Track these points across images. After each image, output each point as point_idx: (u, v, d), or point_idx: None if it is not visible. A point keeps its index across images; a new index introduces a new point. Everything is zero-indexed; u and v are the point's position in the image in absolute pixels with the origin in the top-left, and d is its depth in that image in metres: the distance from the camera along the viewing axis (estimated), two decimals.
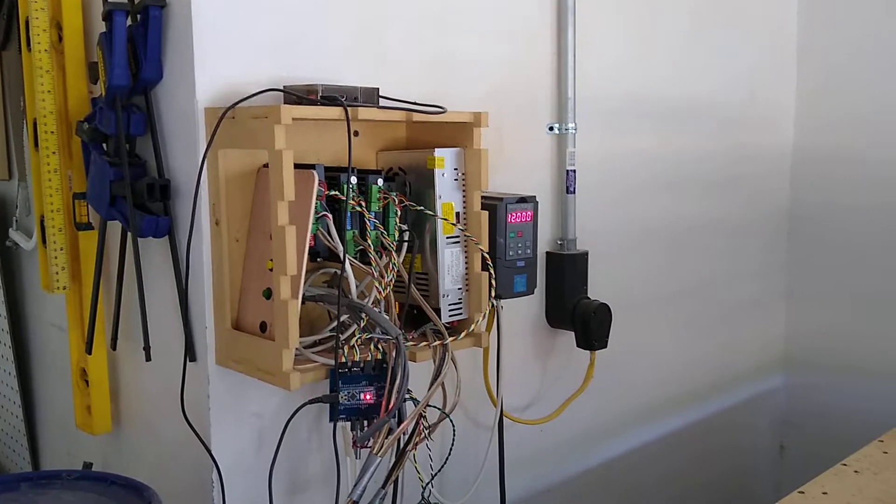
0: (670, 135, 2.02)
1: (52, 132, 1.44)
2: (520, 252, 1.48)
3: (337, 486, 1.30)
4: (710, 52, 2.10)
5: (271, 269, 1.19)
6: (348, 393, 1.22)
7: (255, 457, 1.34)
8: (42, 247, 1.51)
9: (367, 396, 1.22)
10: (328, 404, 1.23)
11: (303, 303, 1.20)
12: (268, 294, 1.22)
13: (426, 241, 1.35)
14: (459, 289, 1.36)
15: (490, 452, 1.59)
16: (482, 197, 1.35)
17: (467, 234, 1.35)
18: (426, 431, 1.26)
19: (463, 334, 1.35)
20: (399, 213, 1.30)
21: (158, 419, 1.43)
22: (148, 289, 1.36)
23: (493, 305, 1.42)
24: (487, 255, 1.35)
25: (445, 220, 1.33)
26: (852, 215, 2.30)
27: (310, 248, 1.20)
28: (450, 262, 1.35)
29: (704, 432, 2.23)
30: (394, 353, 1.21)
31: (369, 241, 1.26)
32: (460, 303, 1.37)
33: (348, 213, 1.25)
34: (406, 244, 1.32)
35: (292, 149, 1.13)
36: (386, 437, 1.19)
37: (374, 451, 1.18)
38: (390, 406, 1.20)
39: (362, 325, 1.23)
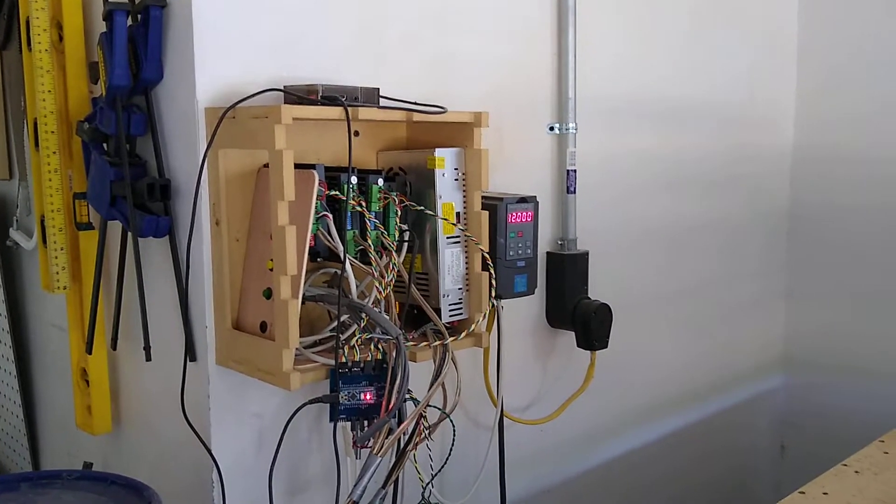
0: (670, 135, 2.02)
1: (53, 132, 1.44)
2: (520, 252, 1.48)
3: (337, 487, 1.30)
4: (710, 52, 2.10)
5: (271, 269, 1.19)
6: (348, 393, 1.22)
7: (256, 457, 1.34)
8: (42, 247, 1.51)
9: (368, 396, 1.22)
10: (328, 404, 1.23)
11: (303, 303, 1.20)
12: (268, 294, 1.22)
13: (426, 241, 1.35)
14: (460, 289, 1.36)
15: (490, 452, 1.59)
16: (482, 197, 1.35)
17: (468, 234, 1.35)
18: (426, 431, 1.26)
19: (463, 334, 1.35)
20: (399, 213, 1.30)
21: (158, 419, 1.43)
22: (148, 289, 1.36)
23: (493, 305, 1.42)
24: (488, 255, 1.35)
25: (446, 220, 1.33)
26: (852, 215, 2.30)
27: (310, 248, 1.20)
28: (450, 262, 1.35)
29: (704, 432, 2.23)
30: (394, 353, 1.21)
31: (369, 241, 1.26)
32: (460, 303, 1.37)
33: (348, 213, 1.25)
34: (406, 244, 1.32)
35: (292, 149, 1.13)
36: (386, 437, 1.19)
37: (375, 451, 1.18)
38: (390, 406, 1.20)
39: (362, 325, 1.23)
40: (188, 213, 1.25)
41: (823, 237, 2.36)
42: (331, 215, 1.23)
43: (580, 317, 1.71)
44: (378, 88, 1.29)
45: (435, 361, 1.30)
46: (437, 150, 1.32)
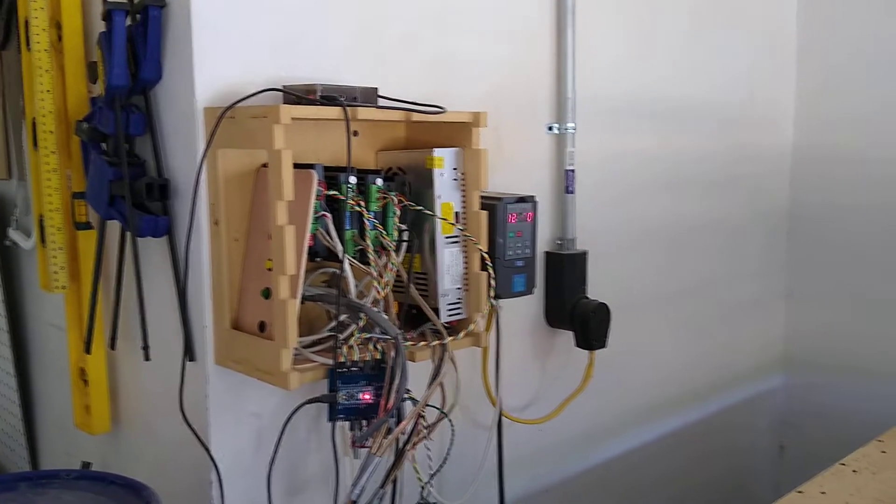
0: (670, 135, 2.02)
1: (52, 132, 1.44)
2: (519, 252, 1.48)
3: (336, 486, 1.30)
4: (710, 52, 2.10)
5: (270, 269, 1.19)
6: (347, 393, 1.22)
7: (254, 456, 1.34)
8: (41, 246, 1.51)
9: (366, 396, 1.22)
10: (327, 404, 1.23)
11: (302, 302, 1.20)
12: (267, 294, 1.22)
13: (425, 240, 1.35)
14: (458, 288, 1.36)
15: (489, 452, 1.59)
16: (481, 197, 1.35)
17: (466, 233, 1.35)
18: (425, 431, 1.26)
19: (462, 334, 1.35)
20: (398, 212, 1.30)
21: (157, 419, 1.43)
22: (147, 288, 1.36)
23: (492, 305, 1.42)
24: (486, 255, 1.35)
25: (444, 219, 1.33)
26: (852, 215, 2.30)
27: (309, 247, 1.20)
28: (449, 262, 1.35)
29: (704, 432, 2.23)
30: (393, 353, 1.21)
31: (368, 241, 1.26)
32: (459, 302, 1.37)
33: (347, 213, 1.25)
34: (405, 244, 1.32)
35: (291, 148, 1.13)
36: (385, 437, 1.19)
37: (373, 451, 1.18)
38: (389, 406, 1.20)
39: (361, 324, 1.23)
40: (187, 213, 1.25)
41: (823, 237, 2.36)
42: (330, 215, 1.23)
43: (579, 316, 1.71)
44: (377, 88, 1.29)
45: (433, 361, 1.30)
46: (435, 149, 1.32)
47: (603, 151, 1.84)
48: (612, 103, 1.85)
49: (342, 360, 1.22)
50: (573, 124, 1.73)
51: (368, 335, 1.23)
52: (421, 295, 1.34)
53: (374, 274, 1.26)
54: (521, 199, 1.48)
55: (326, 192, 1.23)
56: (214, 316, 1.29)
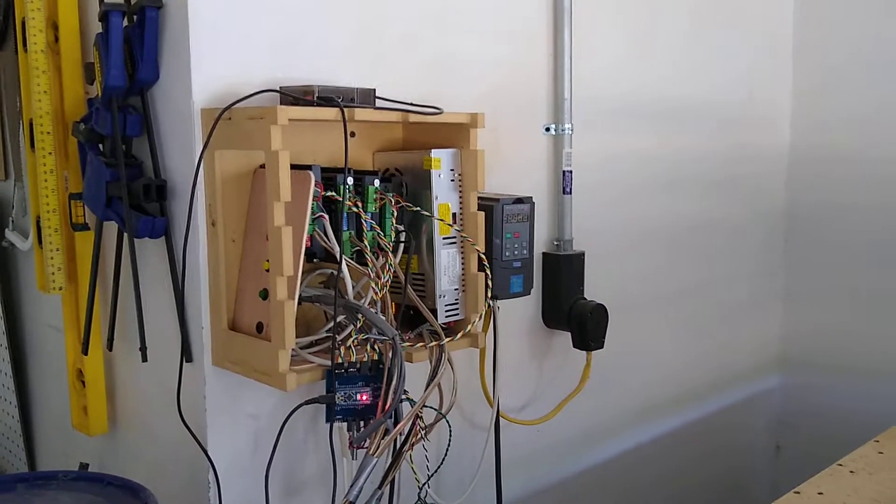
0: (669, 135, 2.02)
1: (49, 133, 1.44)
2: (516, 253, 1.48)
3: (333, 487, 1.30)
4: (710, 52, 2.10)
5: (268, 270, 1.18)
6: (345, 394, 1.22)
7: (252, 457, 1.34)
8: (38, 247, 1.51)
9: (364, 397, 1.22)
10: (324, 405, 1.23)
11: (299, 303, 1.20)
12: (264, 295, 1.22)
13: (423, 241, 1.35)
14: (456, 289, 1.36)
15: (486, 453, 1.59)
16: (479, 197, 1.35)
17: (464, 234, 1.35)
18: (423, 432, 1.26)
19: (459, 335, 1.35)
20: (395, 213, 1.30)
21: (155, 420, 1.43)
22: (144, 289, 1.36)
23: (489, 306, 1.42)
24: (484, 256, 1.35)
25: (442, 220, 1.33)
26: (849, 215, 2.30)
27: (306, 248, 1.20)
28: (446, 263, 1.35)
29: (701, 432, 2.23)
30: (390, 354, 1.21)
31: (366, 242, 1.26)
32: (457, 303, 1.37)
33: (345, 214, 1.25)
34: (402, 245, 1.32)
35: (289, 150, 1.13)
36: (382, 438, 1.19)
37: (371, 452, 1.18)
38: (387, 407, 1.20)
39: (359, 325, 1.23)
40: (184, 214, 1.24)
41: (820, 237, 2.36)
42: (327, 216, 1.23)
43: (576, 317, 1.71)
44: (374, 89, 1.29)
45: (431, 362, 1.30)
46: (433, 150, 1.32)
47: (602, 151, 1.84)
48: (611, 103, 1.85)
49: (340, 361, 1.22)
50: (570, 125, 1.73)
51: (366, 336, 1.23)
52: (418, 296, 1.34)
53: (372, 275, 1.26)
54: (519, 200, 1.48)
55: (324, 193, 1.23)
56: (212, 317, 1.29)
